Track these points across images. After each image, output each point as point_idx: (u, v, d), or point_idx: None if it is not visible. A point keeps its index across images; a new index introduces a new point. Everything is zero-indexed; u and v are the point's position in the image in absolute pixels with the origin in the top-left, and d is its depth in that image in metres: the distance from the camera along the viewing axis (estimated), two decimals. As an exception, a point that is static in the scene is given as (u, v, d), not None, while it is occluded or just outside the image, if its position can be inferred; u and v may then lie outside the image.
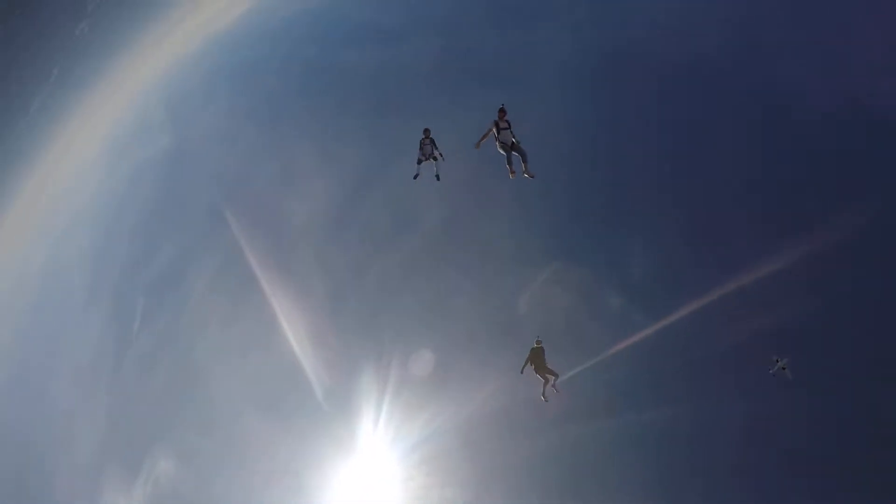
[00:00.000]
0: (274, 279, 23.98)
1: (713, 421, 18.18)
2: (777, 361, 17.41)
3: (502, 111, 14.03)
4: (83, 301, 27.64)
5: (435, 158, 16.26)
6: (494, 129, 14.08)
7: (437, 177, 16.53)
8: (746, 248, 19.18)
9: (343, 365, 22.12)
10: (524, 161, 14.45)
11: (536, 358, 16.41)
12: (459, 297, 22.58)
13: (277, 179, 27.38)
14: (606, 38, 24.49)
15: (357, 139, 26.31)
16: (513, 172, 14.54)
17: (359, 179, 25.55)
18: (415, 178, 16.48)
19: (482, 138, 14.14)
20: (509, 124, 14.12)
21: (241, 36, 33.56)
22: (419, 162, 16.50)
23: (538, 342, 16.58)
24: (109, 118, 34.61)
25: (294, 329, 22.90)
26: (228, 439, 23.45)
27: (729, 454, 18.03)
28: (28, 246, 33.12)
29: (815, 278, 17.87)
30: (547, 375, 16.63)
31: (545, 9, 26.32)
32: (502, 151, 14.33)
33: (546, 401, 16.94)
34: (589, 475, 19.15)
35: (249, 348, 24.05)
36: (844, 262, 17.67)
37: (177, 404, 24.60)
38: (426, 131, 16.42)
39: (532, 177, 14.51)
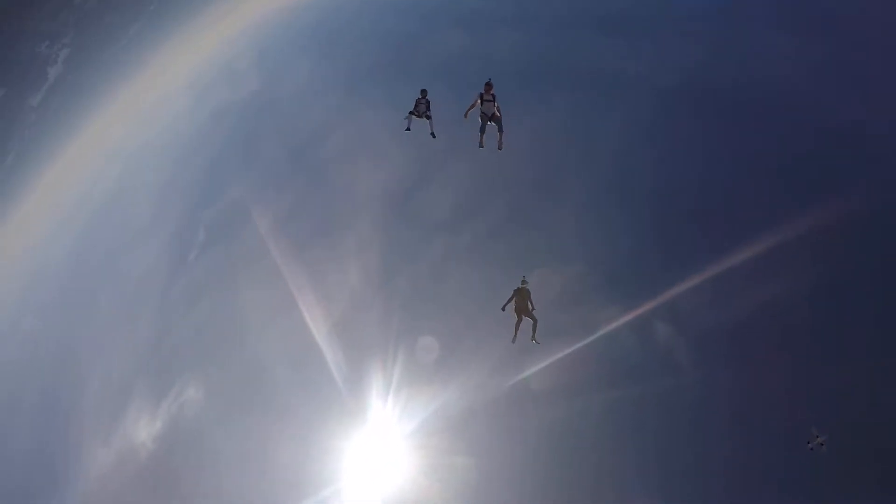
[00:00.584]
0: (322, 247, 24.52)
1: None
2: (817, 437, 17.08)
3: (488, 85, 14.86)
4: (146, 223, 28.60)
5: (428, 117, 16.57)
6: (479, 101, 14.91)
7: (433, 135, 16.87)
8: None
9: (359, 346, 22.41)
10: (500, 132, 15.41)
11: (521, 299, 15.97)
12: (471, 284, 22.76)
13: (347, 147, 27.86)
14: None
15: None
16: (482, 144, 15.49)
17: (422, 160, 25.76)
18: (406, 130, 16.69)
19: (469, 108, 14.97)
20: (494, 98, 14.98)
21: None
22: (408, 116, 16.70)
23: (524, 282, 16.13)
24: (203, 54, 35.59)
25: (322, 308, 23.31)
26: (255, 387, 24.03)
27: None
28: (101, 163, 34.35)
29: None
30: (527, 317, 16.15)
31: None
32: (479, 120, 15.22)
33: (513, 343, 16.51)
34: (591, 446, 18.95)
35: (291, 308, 24.49)
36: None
37: (215, 340, 25.37)
38: (423, 92, 16.80)
39: (500, 149, 15.51)
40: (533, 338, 16.44)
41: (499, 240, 23.83)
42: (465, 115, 15.21)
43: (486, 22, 29.73)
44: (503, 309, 15.99)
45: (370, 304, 22.97)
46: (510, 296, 15.98)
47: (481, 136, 15.61)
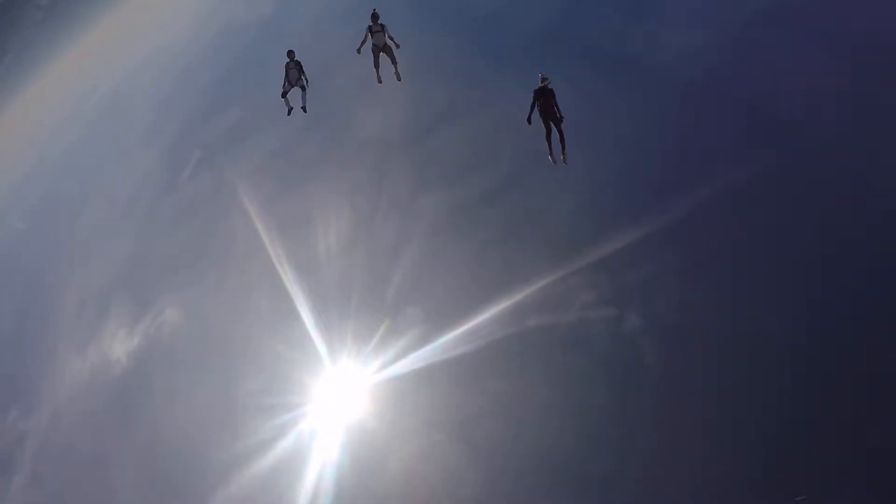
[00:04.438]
0: (315, 182, 23.74)
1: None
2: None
3: (374, 15, 14.62)
4: (141, 136, 27.74)
5: (303, 87, 15.10)
6: (369, 33, 14.62)
7: (304, 108, 15.43)
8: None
9: (342, 285, 21.71)
10: (394, 63, 14.98)
11: (545, 101, 13.56)
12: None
13: (353, 86, 26.68)
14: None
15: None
16: (379, 79, 15.09)
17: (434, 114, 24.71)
18: (288, 113, 15.38)
19: (361, 43, 14.64)
20: (383, 28, 14.72)
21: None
22: (284, 94, 15.10)
23: (544, 78, 13.61)
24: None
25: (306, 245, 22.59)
26: (234, 315, 23.58)
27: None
28: (103, 70, 33.25)
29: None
30: (554, 126, 13.83)
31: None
32: (372, 54, 14.86)
33: (554, 163, 14.20)
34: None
35: (277, 241, 23.83)
36: None
37: (199, 262, 24.81)
38: (290, 53, 15.28)
39: (399, 80, 15.15)
40: (563, 155, 14.09)
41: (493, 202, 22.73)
42: (358, 51, 14.72)
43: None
44: (529, 121, 13.62)
45: (357, 245, 22.27)
46: (531, 100, 13.50)
47: (376, 71, 15.19)
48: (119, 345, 25.36)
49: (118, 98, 29.86)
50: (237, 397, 21.12)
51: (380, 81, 15.33)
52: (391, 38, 14.91)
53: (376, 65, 15.14)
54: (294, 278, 21.08)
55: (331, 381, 19.80)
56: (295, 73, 15.13)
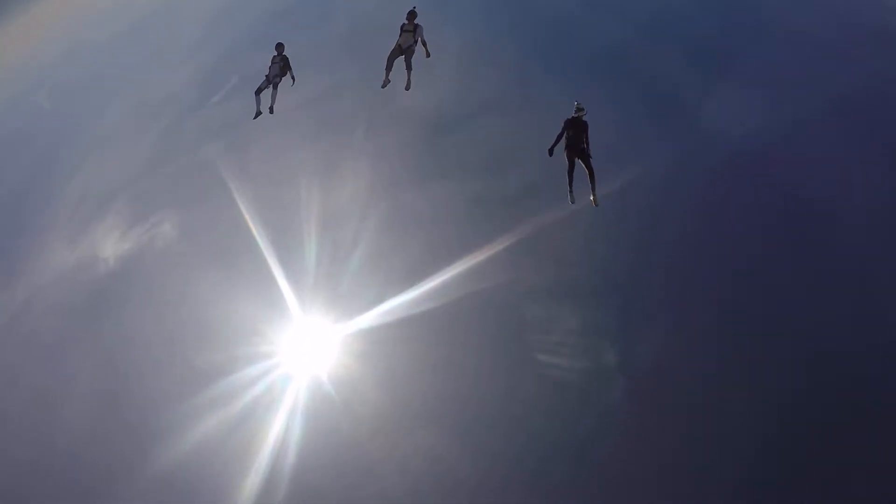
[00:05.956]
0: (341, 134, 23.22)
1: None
2: None
3: (411, 13, 13.36)
4: (186, 47, 27.31)
5: (275, 86, 14.25)
6: (400, 31, 13.49)
7: (271, 109, 14.63)
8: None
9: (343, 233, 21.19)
10: (407, 70, 13.60)
11: (575, 135, 11.89)
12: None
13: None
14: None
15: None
16: (385, 84, 13.71)
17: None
18: (255, 116, 14.68)
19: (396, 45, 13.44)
20: (415, 28, 13.30)
21: None
22: (259, 90, 14.27)
23: (579, 109, 12.12)
24: None
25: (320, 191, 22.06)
26: (229, 246, 23.19)
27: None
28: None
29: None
30: (582, 163, 12.11)
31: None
32: (390, 53, 13.50)
33: (573, 203, 12.57)
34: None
35: (293, 182, 23.32)
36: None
37: (207, 188, 24.36)
38: (279, 46, 14.52)
39: (408, 89, 13.81)
40: (592, 195, 12.30)
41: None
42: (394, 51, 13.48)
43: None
44: (550, 153, 12.08)
45: (361, 195, 21.62)
46: (560, 130, 12.03)
47: (386, 72, 13.58)
48: (110, 246, 25.15)
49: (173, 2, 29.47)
50: (223, 333, 20.81)
51: (384, 86, 13.76)
52: (424, 44, 13.39)
53: (388, 66, 13.58)
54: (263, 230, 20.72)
55: (301, 332, 19.59)
56: (276, 69, 14.25)
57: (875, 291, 14.98)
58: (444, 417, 16.75)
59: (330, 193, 21.98)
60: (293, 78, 14.53)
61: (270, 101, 14.59)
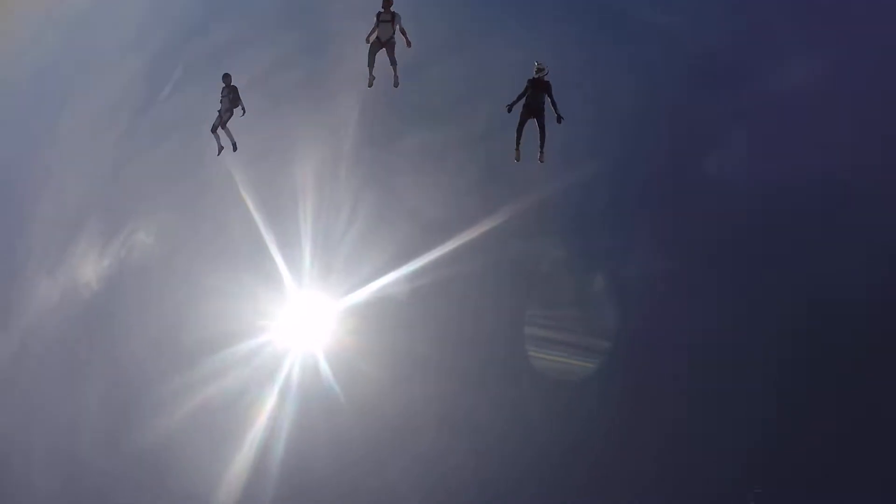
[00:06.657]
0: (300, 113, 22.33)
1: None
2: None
3: (387, 0, 12.17)
4: (125, 45, 25.99)
5: (243, 111, 13.42)
6: (376, 20, 12.30)
7: (234, 146, 13.88)
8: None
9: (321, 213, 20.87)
10: (393, 65, 12.67)
11: (536, 94, 11.97)
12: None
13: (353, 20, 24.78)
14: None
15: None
16: (371, 82, 12.81)
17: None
18: (218, 153, 13.91)
19: (371, 32, 12.36)
20: (393, 17, 12.20)
21: None
22: (215, 128, 13.52)
23: (539, 68, 12.04)
24: None
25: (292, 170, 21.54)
26: (206, 240, 22.56)
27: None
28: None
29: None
30: (536, 121, 12.23)
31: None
32: (370, 47, 12.46)
33: (518, 161, 12.62)
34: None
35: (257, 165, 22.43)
36: None
37: (174, 185, 23.49)
38: (226, 77, 13.57)
39: (396, 86, 12.94)
40: (540, 153, 12.43)
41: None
42: (367, 41, 12.42)
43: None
44: (509, 109, 12.13)
45: (339, 170, 21.01)
46: (522, 90, 12.03)
47: (369, 70, 12.65)
48: (90, 266, 24.34)
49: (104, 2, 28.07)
50: (212, 321, 20.51)
51: (370, 85, 12.87)
52: (403, 33, 12.28)
53: (371, 62, 12.59)
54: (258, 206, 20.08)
55: (295, 307, 19.60)
56: (227, 103, 13.37)
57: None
58: (436, 390, 16.94)
59: (316, 169, 21.49)
60: (244, 109, 13.66)
61: (230, 139, 13.93)
